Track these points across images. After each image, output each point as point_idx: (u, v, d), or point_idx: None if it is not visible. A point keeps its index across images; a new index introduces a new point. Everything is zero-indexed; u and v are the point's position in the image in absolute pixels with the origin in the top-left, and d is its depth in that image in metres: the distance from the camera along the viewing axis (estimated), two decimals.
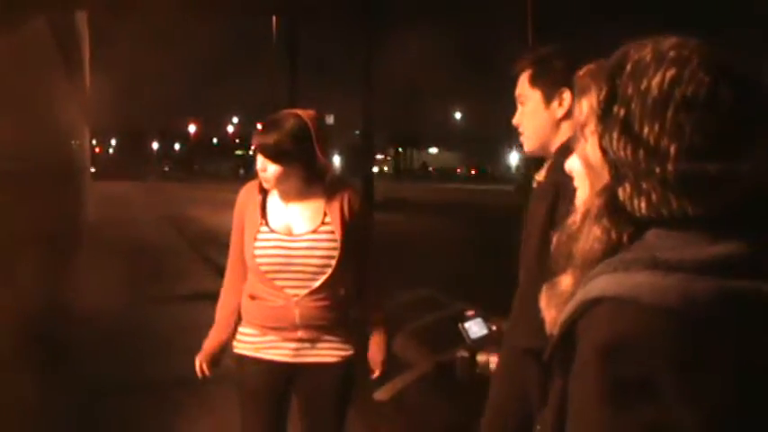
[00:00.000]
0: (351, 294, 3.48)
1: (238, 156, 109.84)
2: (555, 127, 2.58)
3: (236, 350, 3.52)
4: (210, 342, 3.56)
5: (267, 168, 3.33)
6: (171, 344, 8.07)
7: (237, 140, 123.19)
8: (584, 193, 1.33)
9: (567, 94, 2.55)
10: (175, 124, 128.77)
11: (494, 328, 2.86)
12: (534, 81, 2.63)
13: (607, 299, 1.11)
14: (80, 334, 7.88)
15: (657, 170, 1.14)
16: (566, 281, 1.27)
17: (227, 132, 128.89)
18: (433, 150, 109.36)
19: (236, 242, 3.50)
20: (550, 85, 2.59)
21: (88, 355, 7.35)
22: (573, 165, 1.37)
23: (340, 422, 3.53)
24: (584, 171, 1.32)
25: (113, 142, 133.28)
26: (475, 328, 2.84)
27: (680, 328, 1.06)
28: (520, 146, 2.77)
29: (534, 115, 2.62)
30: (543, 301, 1.33)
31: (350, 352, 3.46)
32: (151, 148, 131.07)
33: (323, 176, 3.42)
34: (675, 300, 1.07)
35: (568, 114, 2.51)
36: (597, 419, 1.08)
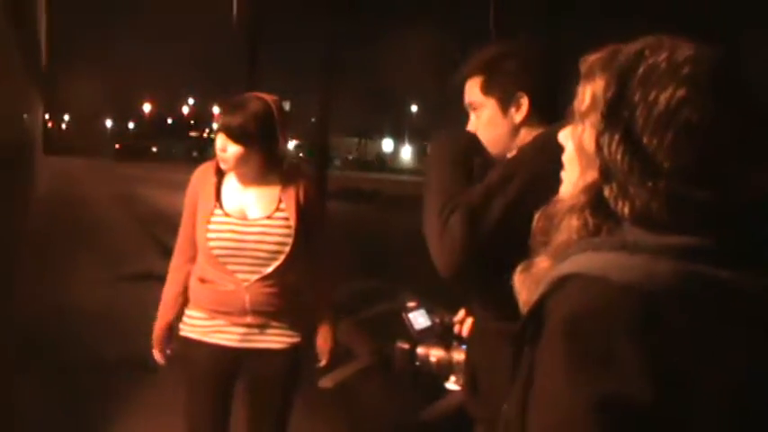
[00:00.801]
0: (301, 282, 3.49)
1: (193, 137, 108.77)
2: (514, 133, 2.42)
3: (182, 332, 3.50)
4: (158, 324, 3.55)
5: (227, 149, 3.31)
6: (117, 324, 8.01)
7: (192, 122, 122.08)
8: (572, 176, 1.35)
9: (524, 99, 2.38)
10: (130, 103, 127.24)
11: (437, 320, 2.85)
12: (487, 89, 2.43)
13: (577, 275, 1.17)
14: (25, 313, 7.77)
15: (650, 183, 1.17)
16: (541, 264, 1.32)
17: (182, 113, 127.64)
18: (388, 142, 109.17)
19: (187, 223, 3.48)
20: (505, 89, 2.41)
21: (32, 334, 7.25)
22: (565, 143, 1.38)
23: (286, 408, 3.54)
24: (575, 155, 1.33)
25: (66, 118, 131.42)
26: (419, 319, 2.84)
27: (642, 302, 1.12)
28: None
29: (491, 125, 2.44)
30: (517, 282, 1.37)
31: (297, 339, 3.46)
32: (104, 126, 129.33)
33: (280, 162, 3.42)
34: (639, 277, 1.13)
35: (527, 119, 2.39)
36: (560, 388, 1.12)
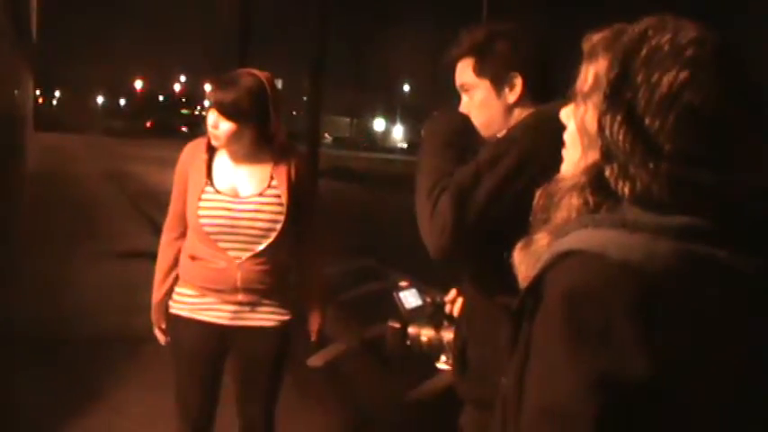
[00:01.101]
0: (291, 260, 3.49)
1: (184, 114, 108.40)
2: (507, 114, 2.41)
3: (171, 310, 3.49)
4: (153, 302, 3.56)
5: (219, 126, 3.28)
6: (104, 301, 8.03)
7: (184, 99, 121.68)
8: (573, 155, 1.35)
9: (517, 80, 2.37)
10: (121, 79, 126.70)
11: (428, 299, 2.85)
12: (480, 70, 2.41)
13: (576, 251, 1.18)
14: (12, 290, 7.76)
15: (651, 165, 1.18)
16: (541, 240, 1.32)
17: (173, 90, 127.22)
18: (380, 121, 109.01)
19: (177, 200, 3.46)
20: (498, 71, 2.39)
21: (18, 309, 7.25)
22: (567, 122, 1.39)
23: (276, 386, 3.55)
24: (577, 134, 1.34)
25: (57, 94, 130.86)
26: (410, 298, 2.84)
27: (640, 281, 1.13)
28: None
29: (485, 106, 2.42)
30: (517, 258, 1.37)
31: (287, 317, 3.46)
32: (95, 102, 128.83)
33: (272, 140, 3.40)
34: (638, 255, 1.14)
35: (521, 99, 2.38)
36: (558, 364, 1.14)
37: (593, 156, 1.27)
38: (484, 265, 2.30)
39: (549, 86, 2.44)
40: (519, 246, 1.38)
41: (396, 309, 2.77)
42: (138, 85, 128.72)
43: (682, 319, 1.13)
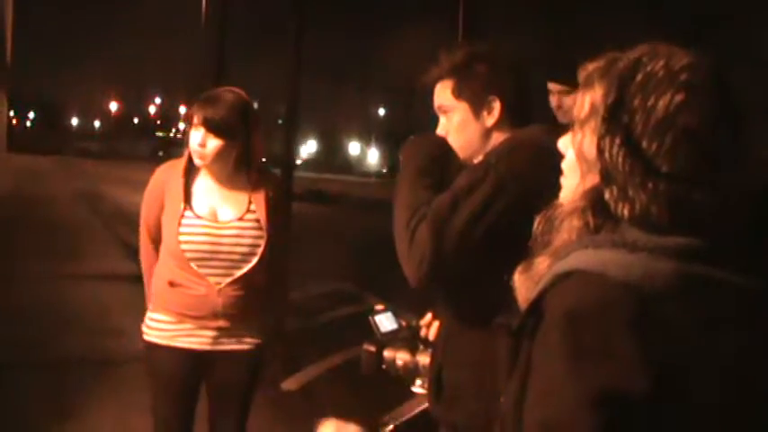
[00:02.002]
0: (266, 283, 3.46)
1: (159, 137, 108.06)
2: (485, 137, 2.40)
3: (146, 337, 3.42)
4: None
5: (207, 143, 3.23)
6: (76, 323, 7.94)
7: (159, 122, 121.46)
8: (572, 182, 1.38)
9: (496, 103, 2.36)
10: (96, 101, 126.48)
11: (403, 323, 2.84)
12: (459, 93, 2.40)
13: (577, 272, 1.20)
14: None
15: (650, 185, 1.20)
16: (542, 263, 1.34)
17: (148, 113, 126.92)
18: (355, 145, 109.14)
19: (151, 222, 3.41)
20: (476, 93, 2.38)
21: None
22: (566, 152, 1.41)
23: (248, 406, 3.52)
24: (575, 161, 1.36)
25: (31, 115, 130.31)
26: (386, 322, 2.82)
27: (640, 299, 1.15)
28: None
29: (464, 129, 2.41)
30: (517, 281, 1.40)
31: (260, 340, 3.44)
32: (70, 124, 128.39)
33: (251, 161, 3.36)
34: (638, 274, 1.17)
35: (498, 123, 2.37)
36: (559, 382, 1.15)
37: (593, 180, 1.30)
38: (463, 290, 2.29)
39: (527, 110, 2.45)
40: (519, 269, 1.40)
41: (371, 332, 2.75)
42: (113, 107, 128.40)
43: (680, 338, 1.15)
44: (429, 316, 2.73)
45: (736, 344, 1.19)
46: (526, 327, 1.26)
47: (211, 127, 3.22)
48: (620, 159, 1.23)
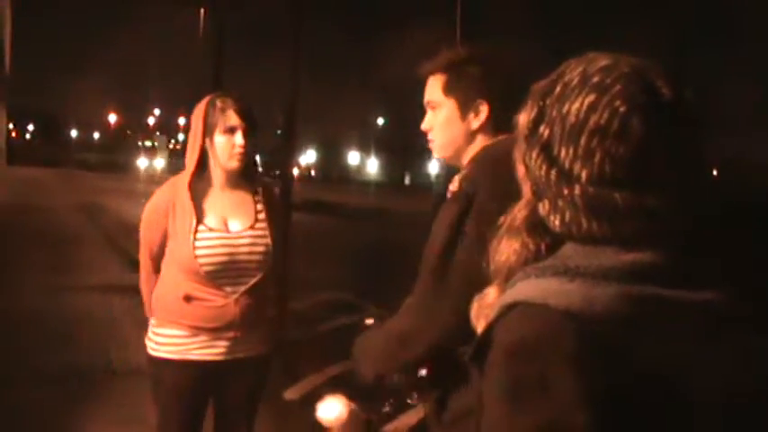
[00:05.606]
0: (271, 292, 3.49)
1: (145, 146, 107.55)
2: (469, 138, 2.42)
3: (156, 353, 3.35)
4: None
5: (247, 142, 3.27)
6: (74, 335, 7.92)
7: (158, 133, 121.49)
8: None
9: (483, 107, 2.38)
10: (95, 113, 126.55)
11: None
12: (448, 89, 2.42)
13: (520, 303, 1.16)
14: None
15: (566, 192, 1.19)
16: (492, 293, 1.33)
17: (147, 125, 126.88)
18: (354, 154, 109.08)
19: (154, 243, 3.36)
20: (466, 94, 2.40)
21: None
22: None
23: (255, 413, 3.53)
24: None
25: (31, 127, 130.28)
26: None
27: (579, 328, 1.11)
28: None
29: (448, 126, 2.43)
30: (473, 313, 1.38)
31: (269, 347, 3.46)
32: (69, 136, 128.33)
33: (252, 172, 3.39)
34: (577, 302, 1.12)
35: (484, 127, 2.39)
36: (498, 418, 1.12)
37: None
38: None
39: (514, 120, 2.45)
40: (475, 299, 1.39)
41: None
42: (112, 118, 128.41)
43: (626, 363, 1.11)
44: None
45: (685, 363, 1.15)
46: (478, 359, 1.22)
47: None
48: (542, 171, 1.22)
